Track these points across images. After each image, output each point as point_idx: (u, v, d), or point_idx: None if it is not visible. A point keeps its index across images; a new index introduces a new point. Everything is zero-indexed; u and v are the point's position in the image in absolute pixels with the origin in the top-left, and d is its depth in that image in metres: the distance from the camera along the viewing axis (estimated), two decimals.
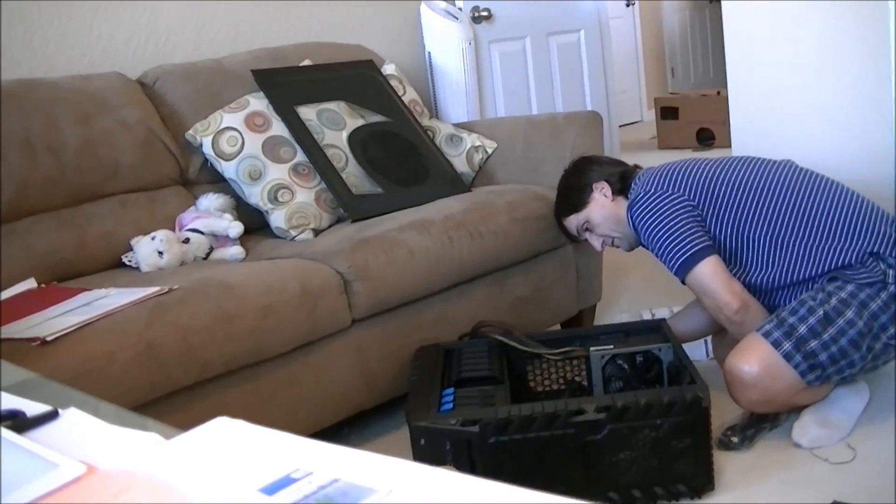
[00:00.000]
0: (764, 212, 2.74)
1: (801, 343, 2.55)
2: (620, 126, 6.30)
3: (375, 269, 2.83)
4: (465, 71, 4.61)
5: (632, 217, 2.88)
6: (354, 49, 4.05)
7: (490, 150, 3.75)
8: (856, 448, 2.58)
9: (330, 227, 3.25)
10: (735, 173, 2.81)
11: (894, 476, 2.38)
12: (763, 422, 2.73)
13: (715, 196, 2.77)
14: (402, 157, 3.50)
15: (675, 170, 2.88)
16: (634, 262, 4.57)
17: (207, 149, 3.28)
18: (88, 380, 2.14)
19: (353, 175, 3.32)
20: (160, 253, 2.93)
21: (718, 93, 7.79)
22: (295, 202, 3.20)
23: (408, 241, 2.94)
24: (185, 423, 0.87)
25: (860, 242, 2.64)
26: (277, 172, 3.24)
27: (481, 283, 3.20)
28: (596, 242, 3.11)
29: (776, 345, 2.56)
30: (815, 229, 2.69)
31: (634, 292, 4.28)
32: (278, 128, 3.33)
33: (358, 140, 3.42)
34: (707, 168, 2.85)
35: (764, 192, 2.76)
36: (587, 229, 3.10)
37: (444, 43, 4.64)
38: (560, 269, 3.50)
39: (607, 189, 3.02)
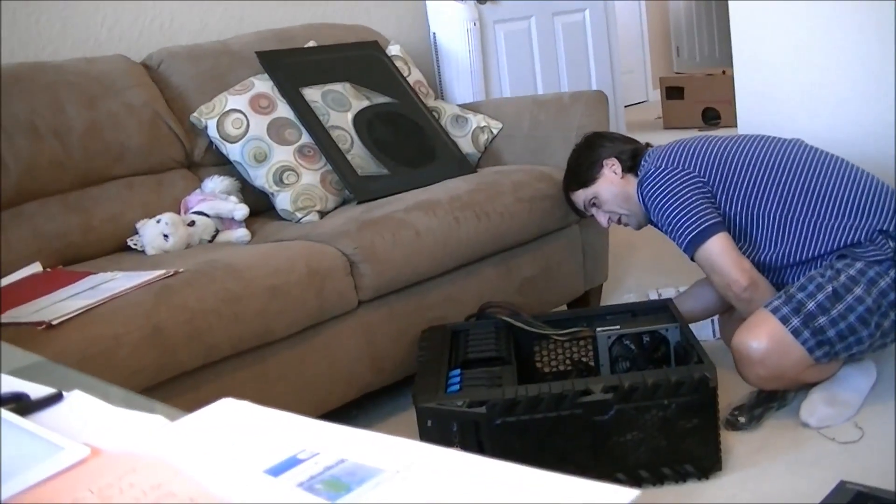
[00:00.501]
0: (774, 189, 2.73)
1: (809, 319, 2.55)
2: (626, 106, 6.30)
3: (382, 251, 2.83)
4: (469, 51, 4.60)
5: (642, 193, 2.88)
6: (359, 30, 4.04)
7: (496, 131, 3.74)
8: (863, 427, 2.58)
9: (336, 208, 3.25)
10: (746, 150, 2.81)
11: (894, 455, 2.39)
12: (770, 401, 2.73)
13: (726, 172, 2.77)
14: (408, 138, 3.49)
15: (685, 147, 2.88)
16: (641, 242, 4.57)
17: (212, 131, 3.27)
18: (95, 363, 2.14)
19: (359, 156, 3.31)
20: (166, 236, 2.93)
21: (724, 72, 7.76)
22: (300, 184, 3.19)
23: (414, 222, 2.94)
24: (193, 405, 0.87)
25: (869, 220, 2.64)
26: (283, 154, 3.23)
27: (488, 263, 3.19)
28: (602, 218, 3.10)
29: (784, 320, 2.56)
30: (824, 207, 2.69)
31: (641, 272, 4.28)
32: (283, 109, 3.32)
33: (363, 121, 3.41)
34: (718, 145, 2.85)
35: (774, 170, 2.75)
36: (594, 205, 3.09)
37: (449, 23, 4.63)
38: (566, 250, 3.49)
39: (617, 166, 3.02)
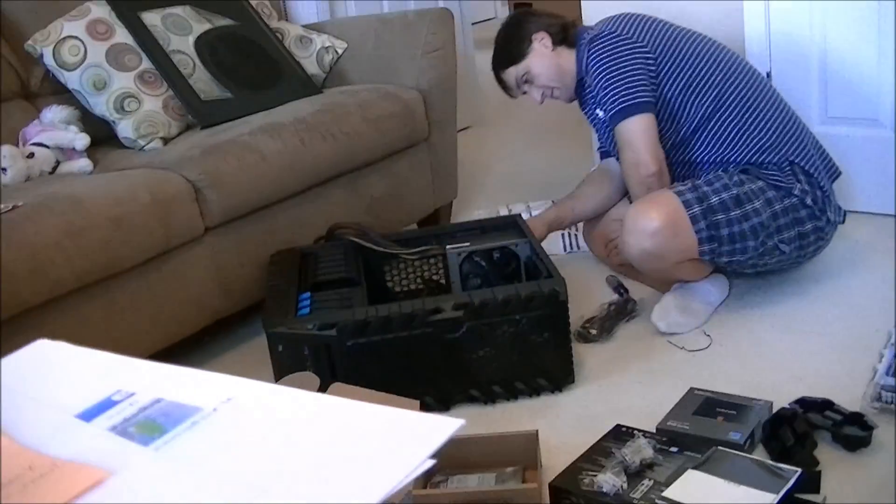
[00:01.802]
0: (714, 85, 2.79)
1: (709, 212, 2.61)
2: (473, 23, 6.25)
3: (227, 176, 2.80)
4: None
5: (589, 53, 2.87)
6: None
7: (340, 51, 3.71)
8: (711, 335, 2.66)
9: (180, 134, 3.19)
10: (696, 41, 2.86)
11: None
12: (621, 313, 2.80)
13: (675, 54, 2.80)
14: (251, 60, 3.44)
15: (641, 20, 2.89)
16: (490, 159, 4.60)
17: (49, 59, 3.17)
18: None
19: (202, 81, 3.26)
20: (3, 169, 2.85)
21: None
22: (142, 111, 3.13)
23: (259, 146, 2.91)
24: None
25: (786, 147, 2.74)
26: (123, 81, 3.16)
27: (336, 185, 3.19)
28: (536, 94, 3.08)
29: (687, 205, 2.61)
30: (752, 118, 2.77)
31: (490, 189, 4.31)
32: (122, 35, 3.24)
33: (205, 44, 3.35)
34: (673, 28, 2.88)
35: (718, 68, 2.81)
36: (526, 81, 3.07)
37: None
38: (415, 168, 3.50)
39: (548, 39, 3.01)
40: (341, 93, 3.42)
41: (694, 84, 2.79)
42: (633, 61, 2.78)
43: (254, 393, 0.73)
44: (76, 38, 3.17)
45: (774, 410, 2.16)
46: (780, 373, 2.41)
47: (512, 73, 3.07)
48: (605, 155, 3.18)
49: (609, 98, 2.79)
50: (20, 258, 2.29)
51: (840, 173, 2.91)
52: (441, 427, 0.65)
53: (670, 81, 2.79)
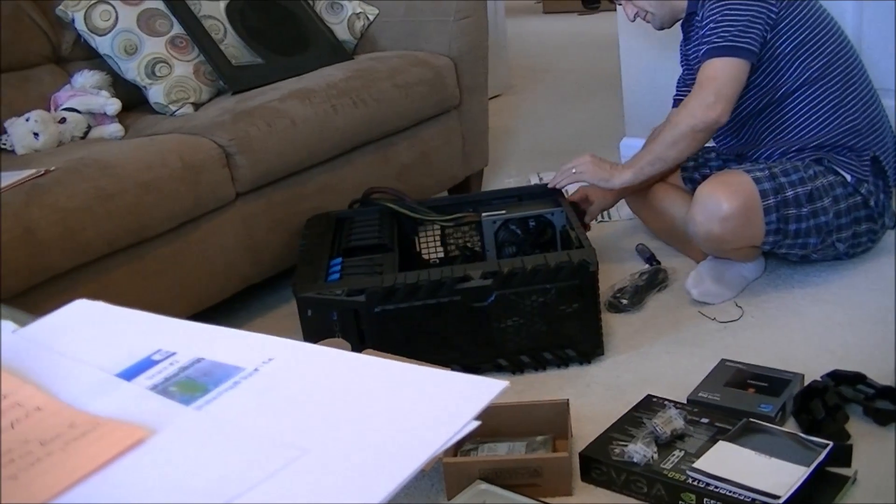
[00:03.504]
0: (825, 50, 2.68)
1: (782, 205, 2.56)
2: None
3: (258, 141, 2.80)
4: None
5: None
6: None
7: (371, 17, 3.70)
8: (742, 307, 2.65)
9: (210, 100, 3.19)
10: (818, 4, 2.74)
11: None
12: (651, 284, 2.78)
13: (798, 8, 2.67)
14: (282, 26, 3.43)
15: None
16: (521, 126, 4.58)
17: (80, 24, 3.17)
18: None
19: (233, 46, 3.26)
20: (35, 134, 2.86)
21: None
22: (173, 76, 3.13)
23: (290, 111, 2.91)
24: None
25: (871, 138, 2.69)
26: (154, 46, 3.16)
27: (365, 151, 3.18)
28: (630, 11, 2.94)
29: (763, 195, 2.55)
30: (850, 97, 2.69)
31: (521, 157, 4.30)
32: (153, 0, 3.23)
33: (236, 10, 3.34)
34: None
35: (833, 36, 2.71)
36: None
37: None
38: (445, 135, 3.49)
39: None
40: (372, 59, 3.41)
41: (808, 44, 2.68)
42: (755, 6, 2.63)
43: (295, 353, 0.73)
44: (107, 2, 3.17)
45: (806, 383, 2.14)
46: (812, 345, 2.40)
47: None
48: (678, 104, 3.02)
49: (716, 33, 2.63)
50: (51, 223, 2.30)
51: None
52: (485, 388, 0.64)
53: (786, 34, 2.67)
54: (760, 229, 2.58)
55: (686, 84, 2.99)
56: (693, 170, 3.02)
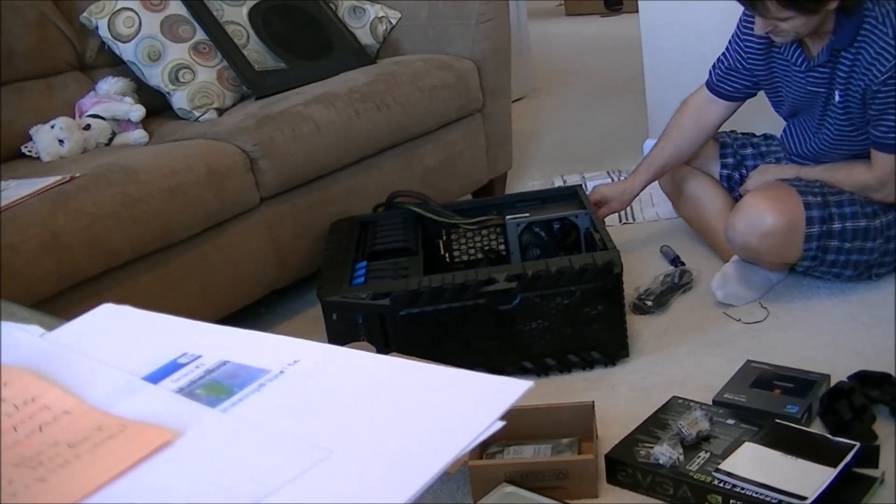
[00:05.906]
0: None
1: (825, 235, 2.54)
2: None
3: (282, 146, 2.81)
4: None
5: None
6: None
7: (394, 21, 3.70)
8: (767, 308, 2.64)
9: (234, 105, 3.20)
10: None
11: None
12: (676, 286, 2.78)
13: None
14: (305, 30, 3.44)
15: None
16: (544, 129, 4.58)
17: (104, 31, 3.19)
18: None
19: (255, 51, 3.27)
20: (61, 141, 2.88)
21: None
22: (197, 82, 3.14)
23: (314, 116, 2.91)
24: None
25: None
26: (177, 52, 3.17)
27: (390, 155, 3.19)
28: (766, 27, 2.47)
29: (808, 222, 2.53)
30: None
31: (545, 160, 4.29)
32: (176, 6, 3.25)
33: (259, 15, 3.36)
34: None
35: None
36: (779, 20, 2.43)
37: None
38: (469, 138, 3.49)
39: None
40: (395, 63, 3.41)
41: None
42: None
43: (320, 355, 0.73)
44: (131, 9, 3.19)
45: (832, 384, 2.13)
46: (838, 346, 2.39)
47: (781, 13, 2.39)
48: (712, 88, 2.88)
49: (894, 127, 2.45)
50: (77, 229, 2.31)
51: None
52: (510, 388, 0.65)
53: None
54: (798, 252, 2.58)
55: (728, 75, 2.82)
56: (733, 168, 2.99)
